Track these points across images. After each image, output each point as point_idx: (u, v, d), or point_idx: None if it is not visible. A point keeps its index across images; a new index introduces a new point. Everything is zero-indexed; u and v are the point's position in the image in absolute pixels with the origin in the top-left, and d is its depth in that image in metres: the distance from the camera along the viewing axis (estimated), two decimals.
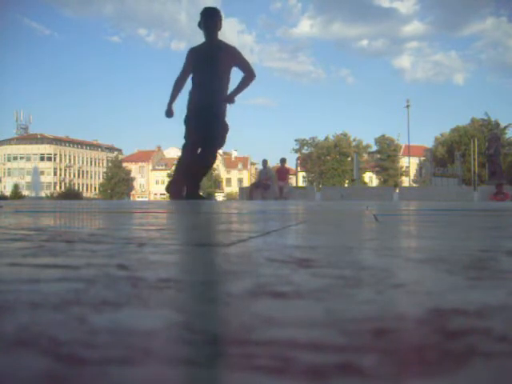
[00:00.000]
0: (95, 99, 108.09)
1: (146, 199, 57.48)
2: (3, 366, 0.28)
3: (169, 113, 5.66)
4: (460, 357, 0.29)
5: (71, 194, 41.25)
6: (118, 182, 62.60)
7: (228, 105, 5.62)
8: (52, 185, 68.53)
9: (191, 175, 5.59)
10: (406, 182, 50.75)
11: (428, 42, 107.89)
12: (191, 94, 5.60)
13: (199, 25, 5.59)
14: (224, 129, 5.64)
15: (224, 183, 71.33)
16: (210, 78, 5.47)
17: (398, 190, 18.79)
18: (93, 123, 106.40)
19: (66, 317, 0.38)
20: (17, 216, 2.39)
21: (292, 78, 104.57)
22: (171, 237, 1.15)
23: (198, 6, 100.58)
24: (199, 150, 5.56)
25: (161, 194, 69.56)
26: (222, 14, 5.67)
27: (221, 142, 5.63)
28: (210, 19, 5.53)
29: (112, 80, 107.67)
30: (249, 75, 5.61)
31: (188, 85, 5.70)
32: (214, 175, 63.31)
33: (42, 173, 68.45)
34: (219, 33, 5.64)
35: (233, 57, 5.58)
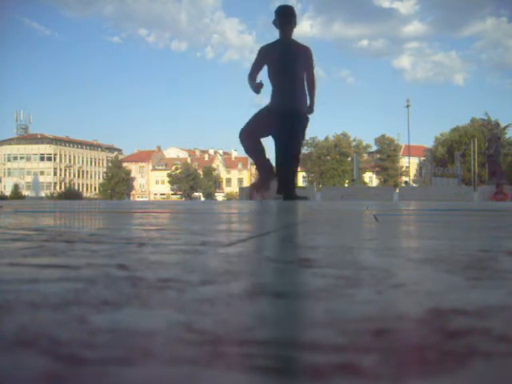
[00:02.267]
0: (95, 99, 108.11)
1: (146, 199, 57.47)
2: (3, 366, 0.28)
3: (257, 87, 5.36)
4: (460, 357, 0.29)
5: (71, 194, 41.22)
6: (118, 182, 62.58)
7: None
8: (52, 185, 68.50)
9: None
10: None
11: (428, 43, 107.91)
12: (273, 95, 5.43)
13: (274, 23, 5.44)
14: (306, 124, 5.58)
15: (224, 183, 71.32)
16: (292, 78, 5.34)
17: (397, 190, 18.77)
18: (93, 123, 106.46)
19: (65, 317, 0.38)
20: (17, 216, 2.39)
21: None
22: (172, 237, 1.15)
23: (198, 6, 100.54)
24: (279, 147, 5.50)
25: (161, 194, 69.55)
26: (296, 11, 5.50)
27: (303, 136, 5.62)
28: (286, 18, 5.36)
29: (112, 80, 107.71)
30: (314, 83, 5.51)
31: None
32: (214, 175, 63.36)
33: (42, 173, 68.47)
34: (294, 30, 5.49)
35: (307, 58, 5.47)
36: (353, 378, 0.26)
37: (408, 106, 35.50)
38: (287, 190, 5.56)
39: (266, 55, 5.46)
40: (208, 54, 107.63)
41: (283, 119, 5.29)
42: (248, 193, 7.05)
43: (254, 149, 5.63)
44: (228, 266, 0.69)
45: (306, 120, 5.54)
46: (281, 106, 5.38)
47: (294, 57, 5.38)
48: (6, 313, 0.40)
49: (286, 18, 5.39)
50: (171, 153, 77.41)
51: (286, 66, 5.35)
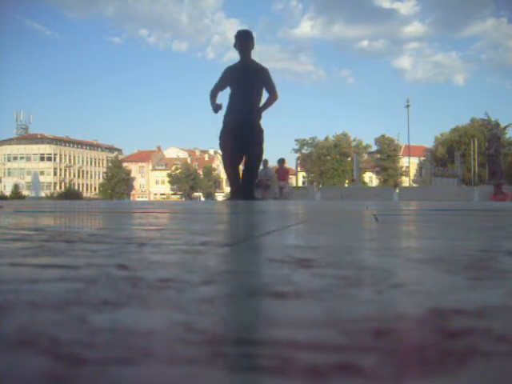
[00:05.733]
0: (95, 99, 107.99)
1: (146, 199, 57.45)
2: (3, 366, 0.28)
3: (216, 108, 5.97)
4: (460, 357, 0.29)
5: (71, 194, 41.17)
6: (118, 182, 62.57)
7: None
8: (52, 185, 68.47)
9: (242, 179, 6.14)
10: (406, 182, 50.69)
11: (428, 43, 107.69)
12: (228, 109, 5.99)
13: (234, 46, 6.00)
14: (262, 137, 6.14)
15: (224, 183, 71.28)
16: (248, 96, 5.91)
17: (397, 190, 18.78)
18: (93, 123, 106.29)
19: (65, 317, 0.38)
20: (17, 216, 2.39)
21: (293, 79, 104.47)
22: (172, 237, 1.15)
23: (199, 6, 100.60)
24: (244, 158, 6.09)
25: (161, 194, 69.55)
26: (254, 34, 6.17)
27: (260, 149, 6.10)
28: (244, 41, 5.99)
29: (113, 80, 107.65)
30: (273, 97, 6.06)
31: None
32: (214, 175, 63.37)
33: (42, 173, 68.44)
34: (252, 52, 6.13)
35: (263, 77, 6.01)
36: (353, 378, 0.26)
37: (408, 106, 35.46)
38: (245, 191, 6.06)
39: (229, 76, 6.05)
40: (209, 55, 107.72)
41: (237, 131, 5.91)
42: None
43: None
44: (228, 266, 0.69)
45: (262, 133, 6.07)
46: (236, 118, 5.93)
47: (252, 77, 5.95)
48: (7, 313, 0.40)
49: (243, 41, 5.97)
50: (171, 153, 77.39)
51: (245, 85, 5.91)
